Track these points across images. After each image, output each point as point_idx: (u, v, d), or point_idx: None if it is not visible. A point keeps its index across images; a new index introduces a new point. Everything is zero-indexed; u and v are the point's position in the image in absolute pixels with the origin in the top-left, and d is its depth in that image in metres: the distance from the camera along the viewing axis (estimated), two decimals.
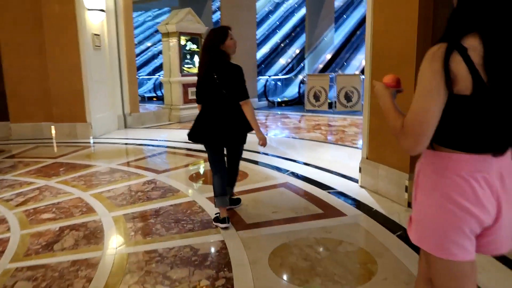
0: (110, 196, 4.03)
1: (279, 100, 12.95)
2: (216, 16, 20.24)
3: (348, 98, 10.41)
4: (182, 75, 9.52)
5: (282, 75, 14.50)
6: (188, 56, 9.69)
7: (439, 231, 1.25)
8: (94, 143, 7.01)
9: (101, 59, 7.79)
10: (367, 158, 4.09)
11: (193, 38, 9.71)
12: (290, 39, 17.12)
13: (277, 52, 16.53)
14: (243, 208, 3.59)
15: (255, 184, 4.32)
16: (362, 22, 16.06)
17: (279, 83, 14.02)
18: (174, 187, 4.27)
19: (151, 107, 13.01)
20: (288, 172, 4.74)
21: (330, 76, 10.87)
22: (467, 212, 1.20)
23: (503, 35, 1.12)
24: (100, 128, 7.66)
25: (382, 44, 3.74)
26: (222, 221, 3.12)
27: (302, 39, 16.91)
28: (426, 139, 1.19)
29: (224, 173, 3.22)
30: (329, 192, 3.97)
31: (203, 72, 3.10)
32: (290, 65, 14.99)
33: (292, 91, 13.93)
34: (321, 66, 14.15)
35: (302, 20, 17.64)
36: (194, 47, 9.77)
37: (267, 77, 13.49)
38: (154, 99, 15.58)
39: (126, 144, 6.94)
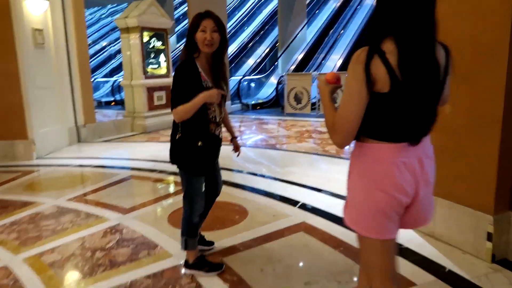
0: (53, 261, 2.73)
1: (253, 102, 11.81)
2: (182, 9, 18.90)
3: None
4: (146, 77, 8.16)
5: (254, 75, 13.34)
6: (153, 55, 8.33)
7: (367, 213, 1.40)
8: (38, 166, 5.55)
9: (45, 60, 6.31)
10: None
11: (157, 34, 8.36)
12: (259, 36, 15.99)
13: (246, 50, 15.35)
14: (257, 278, 2.41)
15: (262, 227, 3.16)
16: (335, 17, 15.26)
17: (252, 84, 12.86)
18: (149, 239, 3.02)
19: (110, 113, 11.50)
20: (300, 204, 3.62)
21: (313, 75, 9.84)
22: (390, 195, 1.35)
23: (414, 40, 1.26)
24: (47, 146, 6.18)
25: (448, 31, 2.66)
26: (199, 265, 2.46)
27: (272, 37, 15.88)
28: (352, 136, 1.35)
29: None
30: None
31: None
32: (263, 65, 13.84)
33: (266, 92, 12.83)
34: (292, 67, 13.17)
35: (272, 15, 16.61)
36: (159, 44, 8.43)
37: (240, 77, 12.28)
38: (113, 103, 14.00)
39: (79, 166, 5.54)
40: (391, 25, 1.28)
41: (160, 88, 8.47)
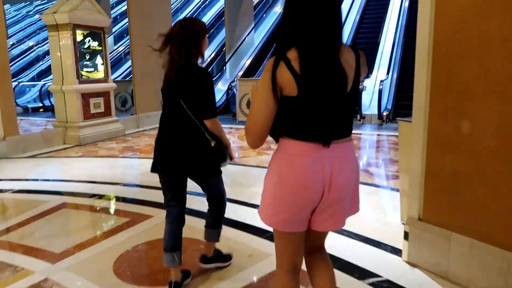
0: None
1: None
2: (120, 9, 17.53)
3: None
4: (80, 82, 7.11)
5: None
6: (88, 57, 7.30)
7: (273, 205, 1.48)
8: None
9: None
10: (420, 220, 2.55)
11: (93, 33, 7.35)
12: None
13: None
14: None
15: (239, 275, 2.50)
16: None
17: None
18: None
19: (39, 121, 10.16)
20: None
21: None
22: (296, 191, 1.42)
23: (313, 47, 1.36)
24: None
25: (471, 32, 2.19)
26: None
27: (218, 40, 15.22)
28: (262, 137, 1.44)
29: (178, 220, 2.31)
30: (370, 285, 2.35)
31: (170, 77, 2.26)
32: (210, 70, 13.08)
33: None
34: (240, 73, 12.64)
35: (217, 17, 15.98)
36: (95, 44, 7.41)
37: None
38: (41, 110, 12.51)
39: None
40: (295, 35, 1.38)
41: (98, 94, 7.45)
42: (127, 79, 12.18)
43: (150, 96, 9.30)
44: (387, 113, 8.88)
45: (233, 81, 10.40)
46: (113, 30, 15.71)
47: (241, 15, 13.67)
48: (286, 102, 1.38)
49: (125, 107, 10.72)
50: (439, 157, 2.39)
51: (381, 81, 9.07)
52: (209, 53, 14.45)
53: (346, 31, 13.24)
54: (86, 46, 7.24)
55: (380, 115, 8.67)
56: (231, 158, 2.29)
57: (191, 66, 2.17)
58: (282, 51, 1.37)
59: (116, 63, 14.19)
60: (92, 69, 7.41)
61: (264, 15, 15.57)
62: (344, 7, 13.88)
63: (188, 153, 2.18)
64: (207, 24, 15.96)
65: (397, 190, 3.79)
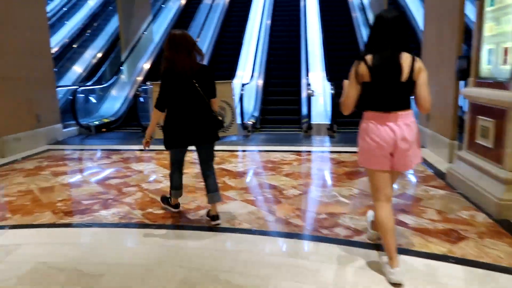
0: None
1: (96, 123, 8.32)
2: None
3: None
4: None
5: (92, 84, 9.56)
6: None
7: (364, 152, 2.48)
8: None
9: None
10: None
11: None
12: (88, 34, 12.14)
13: (72, 51, 11.38)
14: None
15: None
16: (183, 16, 12.85)
17: (91, 96, 9.21)
18: None
19: None
20: None
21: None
22: (375, 141, 2.39)
23: (379, 53, 2.36)
24: None
25: None
26: (175, 206, 3.59)
27: (105, 35, 12.32)
28: (351, 108, 2.46)
29: (182, 170, 3.48)
30: None
31: (182, 76, 3.04)
32: (101, 72, 10.15)
33: (112, 108, 9.42)
34: (140, 78, 10.19)
35: (104, 5, 13.03)
36: None
37: (75, 86, 8.53)
38: None
39: None
40: (371, 47, 2.41)
41: None
42: None
43: (19, 107, 6.37)
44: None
45: (144, 86, 7.93)
46: None
47: (137, 5, 11.14)
48: (364, 86, 2.39)
49: None
50: None
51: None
52: (93, 52, 11.52)
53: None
54: None
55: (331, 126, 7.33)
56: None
57: (202, 65, 3.21)
58: (363, 57, 2.38)
59: None
60: None
61: (163, 5, 13.16)
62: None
63: (209, 125, 3.21)
64: (89, 15, 12.92)
65: None
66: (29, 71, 6.65)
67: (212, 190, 3.30)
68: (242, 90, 7.40)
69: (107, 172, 5.06)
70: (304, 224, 3.33)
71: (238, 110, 7.36)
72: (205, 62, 10.78)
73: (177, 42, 2.99)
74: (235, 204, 3.79)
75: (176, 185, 3.44)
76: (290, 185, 4.32)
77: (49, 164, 5.53)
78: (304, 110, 8.59)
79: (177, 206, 3.58)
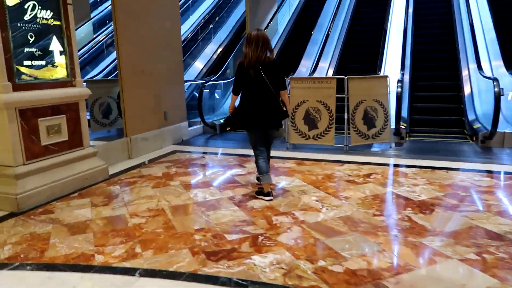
0: None
1: (222, 121, 7.60)
2: None
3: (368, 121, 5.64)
4: (17, 87, 3.63)
5: (217, 79, 8.94)
6: (32, 38, 3.81)
7: None
8: None
9: None
10: None
11: None
12: (208, 29, 11.66)
13: (196, 45, 11.01)
14: None
15: None
16: None
17: (216, 93, 8.58)
18: None
19: None
20: None
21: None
22: None
23: None
24: None
25: None
26: (267, 194, 3.65)
27: (227, 28, 11.77)
28: None
29: (266, 156, 3.74)
30: None
31: (252, 67, 3.50)
32: (224, 67, 9.51)
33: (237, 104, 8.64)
34: None
35: None
36: (47, 15, 3.92)
37: (202, 81, 7.94)
38: None
39: None
40: None
41: (55, 109, 3.98)
42: (109, 78, 8.67)
43: (148, 104, 5.84)
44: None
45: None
46: (92, 15, 12.11)
47: None
48: None
49: (109, 118, 7.18)
50: None
51: None
52: (214, 47, 10.98)
53: None
54: (29, 16, 3.74)
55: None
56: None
57: (273, 60, 3.59)
58: None
59: (95, 58, 10.60)
60: (42, 62, 3.91)
61: None
62: None
63: (276, 113, 3.63)
64: (210, 6, 12.52)
65: None
66: (162, 65, 6.10)
67: (266, 171, 3.70)
68: (398, 87, 5.89)
69: (244, 189, 4.08)
70: None
71: (392, 112, 5.90)
72: (336, 55, 9.49)
73: (251, 40, 3.50)
74: (450, 267, 2.42)
75: (262, 170, 3.66)
76: None
77: (177, 171, 4.80)
78: (471, 112, 6.74)
79: (269, 194, 3.66)
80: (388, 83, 5.65)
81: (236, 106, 3.73)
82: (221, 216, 3.32)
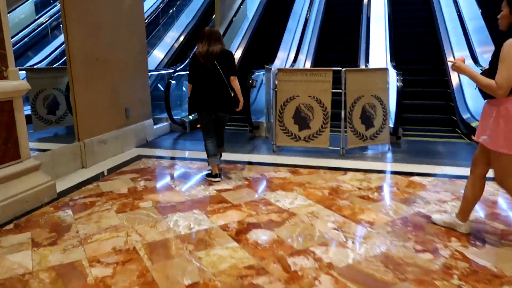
0: None
1: (191, 117, 6.61)
2: None
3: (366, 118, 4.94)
4: None
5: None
6: None
7: (509, 140, 2.35)
8: None
9: None
10: None
11: None
12: (167, 17, 10.46)
13: (157, 29, 9.82)
14: None
15: None
16: None
17: (184, 86, 7.52)
18: None
19: None
20: None
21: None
22: None
23: None
24: None
25: None
26: (215, 176, 3.90)
27: (186, 17, 10.65)
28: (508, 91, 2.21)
29: (214, 138, 3.97)
30: None
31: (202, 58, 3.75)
32: (193, 54, 8.46)
33: None
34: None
35: None
36: None
37: (170, 70, 6.88)
38: None
39: None
40: None
41: None
42: (56, 66, 7.39)
43: (105, 100, 4.79)
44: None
45: (253, 73, 6.02)
46: None
47: None
48: None
49: (55, 114, 5.98)
50: None
51: None
52: (175, 35, 9.86)
53: None
54: None
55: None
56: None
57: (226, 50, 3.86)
58: None
59: (37, 42, 9.14)
60: None
61: None
62: None
63: (225, 97, 3.83)
64: None
65: None
66: (122, 51, 5.03)
67: (220, 145, 4.13)
68: (398, 81, 5.23)
69: (237, 211, 3.22)
70: None
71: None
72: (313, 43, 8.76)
73: (204, 35, 3.79)
74: None
75: (210, 152, 3.91)
76: None
77: (146, 185, 3.85)
78: (463, 108, 6.27)
79: (217, 175, 3.90)
80: (387, 77, 4.98)
81: (190, 94, 3.93)
82: (217, 260, 2.44)
